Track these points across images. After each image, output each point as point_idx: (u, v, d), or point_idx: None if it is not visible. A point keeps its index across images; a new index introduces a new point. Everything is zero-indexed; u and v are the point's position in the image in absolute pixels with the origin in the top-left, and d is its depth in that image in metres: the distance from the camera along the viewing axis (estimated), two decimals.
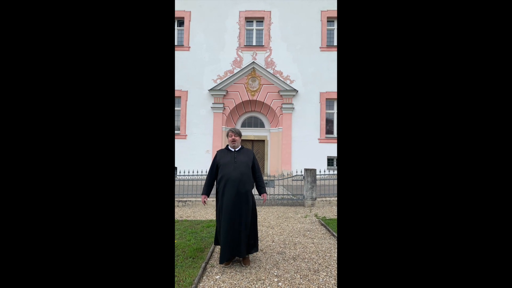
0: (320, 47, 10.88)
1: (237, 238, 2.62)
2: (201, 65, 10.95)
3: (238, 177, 2.67)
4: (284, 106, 10.69)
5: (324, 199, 6.31)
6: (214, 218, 4.78)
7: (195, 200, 6.12)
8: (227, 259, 2.63)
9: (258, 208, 5.71)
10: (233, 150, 2.86)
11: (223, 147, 10.36)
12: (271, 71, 10.85)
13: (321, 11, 10.92)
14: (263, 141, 11.33)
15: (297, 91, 10.69)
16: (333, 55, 10.80)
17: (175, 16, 10.86)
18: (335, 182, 6.87)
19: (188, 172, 7.84)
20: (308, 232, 4.08)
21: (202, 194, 2.86)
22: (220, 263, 2.68)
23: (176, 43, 11.10)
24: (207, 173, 3.01)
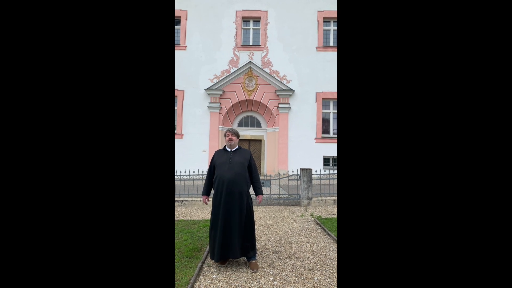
0: (317, 47, 10.93)
1: (229, 238, 2.62)
2: (197, 64, 10.93)
3: (232, 177, 2.68)
4: (280, 106, 10.73)
5: (320, 198, 6.36)
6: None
7: (192, 200, 6.12)
8: (218, 258, 2.63)
9: (255, 208, 5.73)
10: (229, 150, 2.89)
11: (220, 147, 10.35)
12: (268, 71, 10.87)
13: (318, 12, 10.96)
14: (260, 140, 11.35)
15: (294, 91, 10.73)
16: (329, 55, 10.86)
17: None
18: (331, 181, 6.92)
19: (185, 172, 7.83)
20: (304, 232, 4.12)
21: (202, 195, 2.94)
22: (211, 258, 2.72)
23: None
24: (204, 173, 3.05)
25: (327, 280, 2.48)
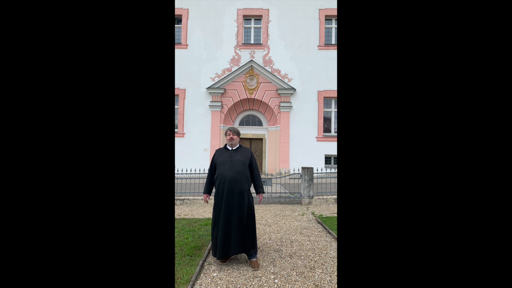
0: (318, 46, 10.88)
1: (230, 237, 2.63)
2: (198, 63, 10.92)
3: (233, 176, 2.68)
4: (282, 104, 10.71)
5: (321, 197, 6.35)
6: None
7: (193, 198, 6.14)
8: (220, 256, 2.65)
9: (256, 207, 5.74)
10: (230, 149, 2.89)
11: (221, 145, 10.34)
12: (269, 70, 10.84)
13: (319, 10, 10.91)
14: (261, 139, 11.34)
15: (295, 89, 10.70)
16: (331, 53, 10.81)
17: None
18: (332, 180, 6.91)
19: (186, 170, 7.85)
20: (305, 230, 4.12)
21: (204, 193, 2.96)
22: (213, 255, 2.74)
23: None
24: (206, 172, 3.07)
25: (328, 279, 2.48)
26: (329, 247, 3.37)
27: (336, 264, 2.81)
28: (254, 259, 2.74)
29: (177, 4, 10.98)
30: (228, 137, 2.88)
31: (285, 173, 7.96)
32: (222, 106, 10.82)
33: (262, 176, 9.51)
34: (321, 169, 7.74)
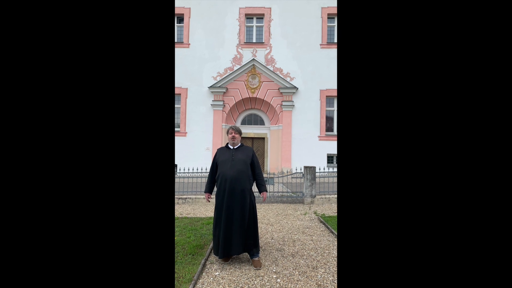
0: (321, 44, 10.84)
1: (232, 236, 2.62)
2: (200, 62, 10.92)
3: (235, 175, 2.68)
4: (284, 103, 10.68)
5: (323, 196, 6.33)
6: None
7: (195, 197, 6.14)
8: (222, 255, 2.65)
9: (258, 206, 5.73)
10: (232, 147, 2.88)
11: (223, 144, 10.36)
12: (271, 68, 10.82)
13: (322, 8, 10.86)
14: (263, 138, 11.33)
15: (297, 88, 10.67)
16: (333, 52, 10.76)
17: (175, 12, 10.80)
18: (335, 179, 6.88)
19: (188, 169, 7.86)
20: (307, 229, 4.11)
21: (205, 192, 2.96)
22: (215, 254, 2.74)
23: (175, 40, 11.06)
24: (207, 171, 3.07)
25: (330, 279, 2.47)
26: (332, 246, 3.35)
27: None
28: (256, 258, 2.73)
29: (179, 3, 10.98)
30: (230, 135, 2.87)
31: (287, 172, 7.95)
32: (224, 105, 10.82)
33: (264, 175, 9.51)
34: (324, 168, 7.71)
